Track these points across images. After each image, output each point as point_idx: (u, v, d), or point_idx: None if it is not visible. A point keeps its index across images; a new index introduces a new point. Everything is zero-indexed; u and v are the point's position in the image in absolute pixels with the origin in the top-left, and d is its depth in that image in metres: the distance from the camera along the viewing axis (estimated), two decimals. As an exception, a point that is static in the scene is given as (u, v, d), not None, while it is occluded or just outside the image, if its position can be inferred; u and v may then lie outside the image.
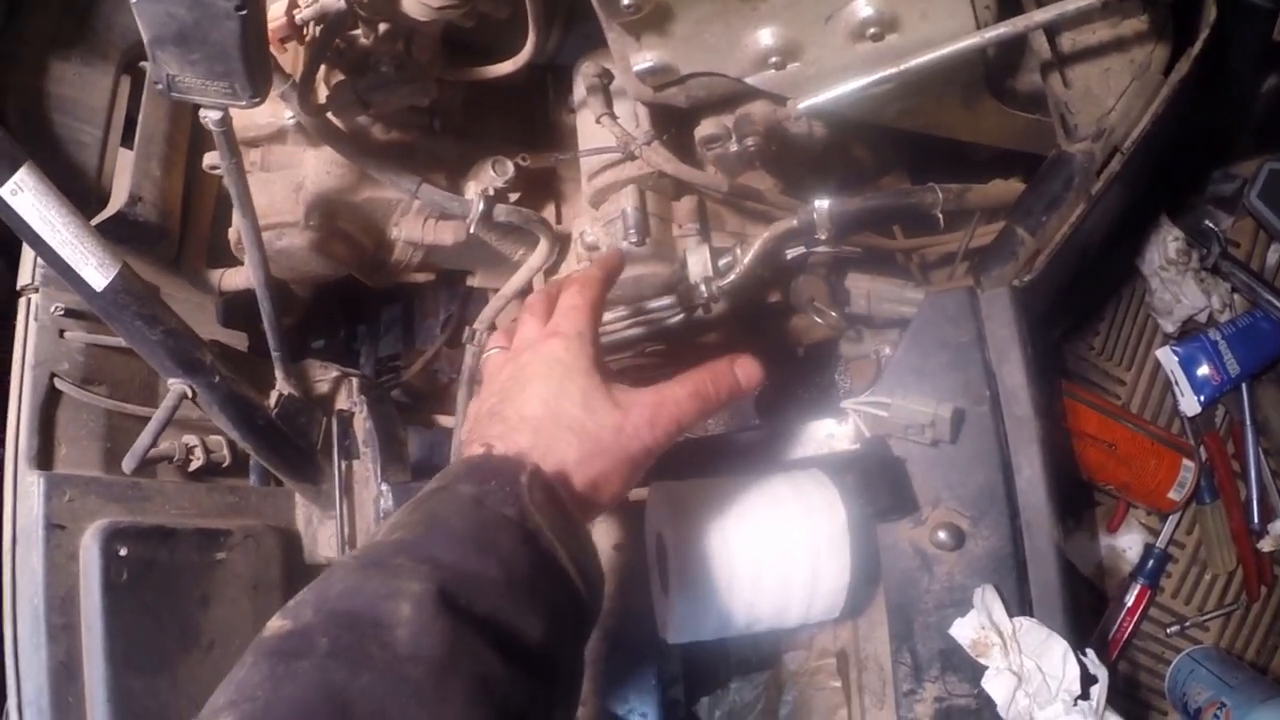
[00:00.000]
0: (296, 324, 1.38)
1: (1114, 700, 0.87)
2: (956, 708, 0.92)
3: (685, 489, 0.92)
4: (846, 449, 0.95)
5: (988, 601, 0.89)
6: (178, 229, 1.16)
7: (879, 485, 0.92)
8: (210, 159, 1.10)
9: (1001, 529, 0.91)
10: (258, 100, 0.87)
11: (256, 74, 0.85)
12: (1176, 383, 1.20)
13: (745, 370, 0.82)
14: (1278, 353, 1.20)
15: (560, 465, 0.70)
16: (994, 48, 0.95)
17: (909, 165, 1.22)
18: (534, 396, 0.73)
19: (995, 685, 0.87)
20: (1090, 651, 0.88)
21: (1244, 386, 1.20)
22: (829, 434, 0.96)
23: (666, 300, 1.03)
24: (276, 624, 0.58)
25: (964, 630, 0.90)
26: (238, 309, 1.21)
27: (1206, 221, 1.23)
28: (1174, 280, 1.19)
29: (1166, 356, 1.21)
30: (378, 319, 1.50)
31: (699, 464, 0.99)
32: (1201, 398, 1.19)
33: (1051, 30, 0.98)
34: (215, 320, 1.22)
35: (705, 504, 0.90)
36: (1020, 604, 0.91)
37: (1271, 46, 1.11)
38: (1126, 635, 1.21)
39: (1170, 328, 1.22)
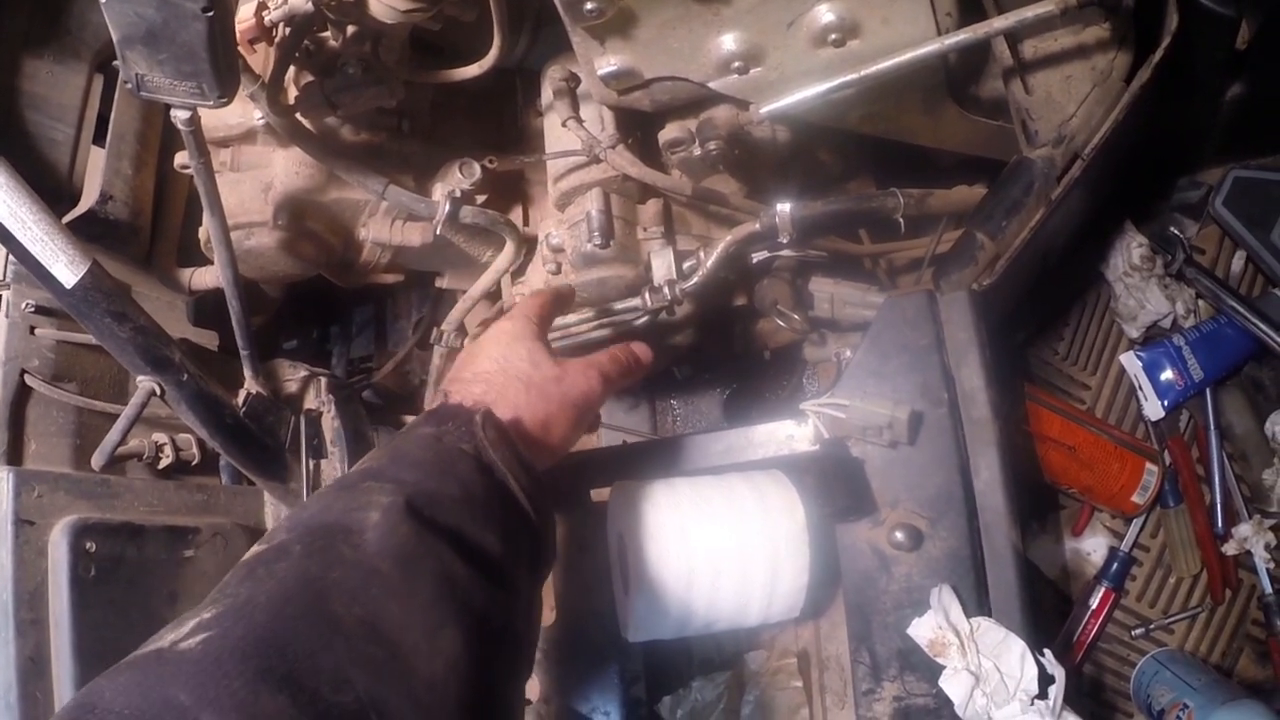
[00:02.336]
0: (268, 324, 1.39)
1: (1077, 701, 0.88)
2: (915, 707, 0.92)
3: (645, 489, 0.93)
4: (806, 450, 0.96)
5: (944, 601, 0.90)
6: (148, 228, 1.16)
7: (837, 486, 0.93)
8: (181, 158, 1.10)
9: (959, 530, 0.92)
10: (225, 100, 0.87)
11: (224, 74, 0.85)
12: (1140, 387, 1.21)
13: (641, 349, 0.94)
14: (1241, 358, 1.21)
15: (513, 409, 0.79)
16: (955, 54, 0.96)
17: (874, 170, 1.23)
18: (486, 357, 0.83)
19: (952, 685, 0.88)
20: (1048, 651, 0.88)
21: (1208, 391, 1.21)
22: (789, 435, 0.97)
23: (631, 302, 1.04)
24: (254, 548, 0.63)
25: (921, 630, 0.90)
26: (208, 308, 1.22)
27: (1172, 228, 1.24)
28: (1138, 286, 1.20)
29: (1130, 361, 1.22)
30: (350, 320, 1.51)
31: (660, 465, 1.00)
32: (1165, 402, 1.20)
33: (1013, 37, 0.99)
34: (186, 319, 1.22)
35: (665, 504, 0.91)
36: (978, 604, 0.91)
37: (1235, 55, 1.13)
38: (1091, 638, 1.21)
39: (1135, 333, 1.23)
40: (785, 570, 0.90)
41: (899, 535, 0.92)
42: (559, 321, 1.08)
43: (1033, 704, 0.86)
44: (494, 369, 0.82)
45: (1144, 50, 1.01)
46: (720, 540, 0.89)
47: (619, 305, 1.05)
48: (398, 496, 0.63)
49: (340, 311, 1.51)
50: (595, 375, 0.86)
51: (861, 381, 0.95)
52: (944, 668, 0.89)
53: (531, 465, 0.75)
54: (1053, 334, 1.26)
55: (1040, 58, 1.01)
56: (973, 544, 0.92)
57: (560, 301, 0.97)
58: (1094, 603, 1.21)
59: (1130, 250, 1.21)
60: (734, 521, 0.90)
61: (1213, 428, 1.21)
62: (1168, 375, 1.20)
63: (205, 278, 1.19)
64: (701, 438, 1.00)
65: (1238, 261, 1.25)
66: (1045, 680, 0.87)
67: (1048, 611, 1.23)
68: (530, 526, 0.72)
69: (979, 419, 0.94)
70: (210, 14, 0.79)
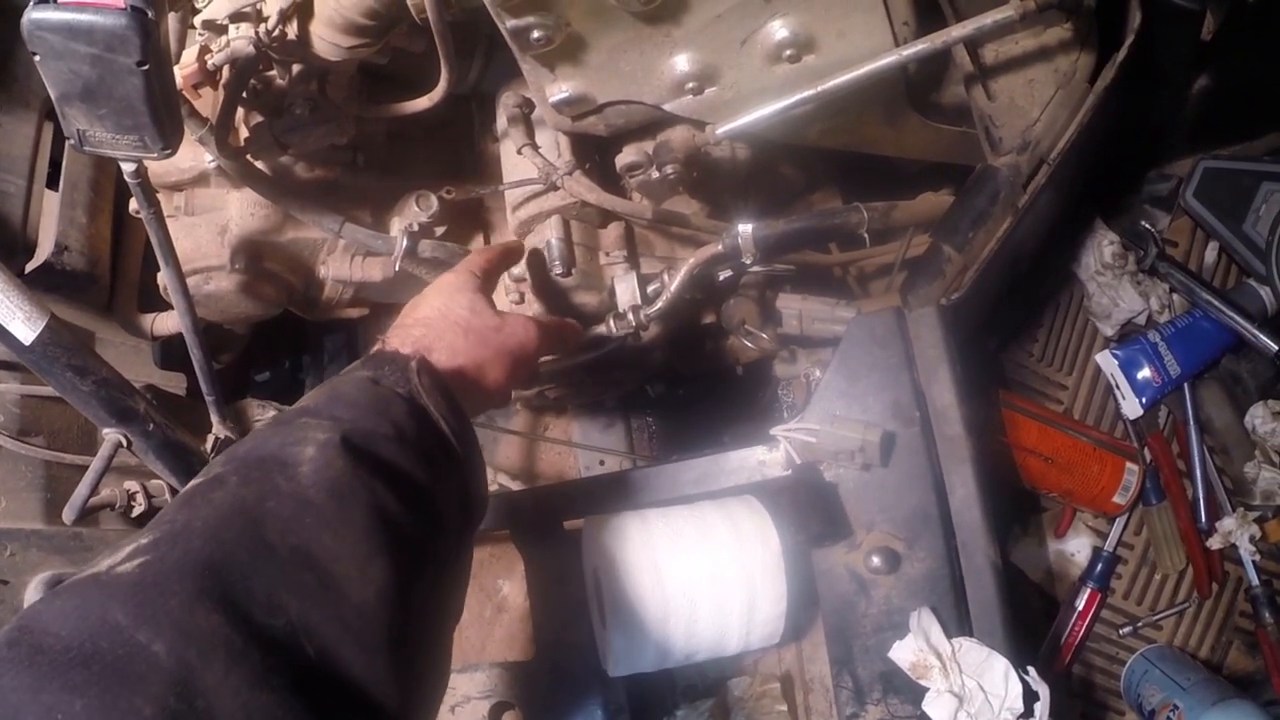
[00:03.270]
0: (238, 359, 1.37)
1: (1067, 705, 0.87)
2: (900, 729, 0.92)
3: (617, 522, 0.92)
4: (779, 475, 0.95)
5: (924, 624, 0.89)
6: (108, 275, 1.14)
7: (811, 512, 0.92)
8: (135, 204, 1.09)
9: (937, 550, 0.91)
10: (169, 151, 0.85)
11: (165, 126, 0.83)
12: (1117, 386, 1.20)
13: (573, 326, 0.99)
14: (1218, 351, 1.21)
15: (449, 352, 0.81)
16: (914, 64, 0.94)
17: (841, 181, 1.21)
18: (427, 304, 0.85)
19: (935, 707, 0.87)
20: (1031, 669, 0.87)
21: (1186, 386, 1.20)
22: (760, 461, 0.96)
23: (597, 330, 1.02)
24: (192, 481, 0.64)
25: (903, 653, 0.89)
26: (175, 350, 1.20)
27: (1143, 222, 1.23)
28: (1111, 284, 1.19)
29: (1106, 360, 1.21)
30: (321, 349, 1.49)
31: (633, 496, 0.98)
32: (1143, 400, 1.19)
33: (973, 43, 0.98)
34: (153, 363, 1.21)
35: (638, 537, 0.90)
36: (959, 624, 0.91)
37: (1201, 47, 1.11)
38: (1079, 639, 1.21)
39: (1110, 331, 1.22)
40: (762, 598, 0.89)
41: (875, 559, 0.91)
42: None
43: (1017, 723, 0.86)
44: (434, 315, 0.83)
45: (1108, 49, 0.99)
46: (695, 572, 0.88)
47: (586, 334, 1.03)
48: (333, 434, 0.65)
49: (311, 340, 1.49)
50: (533, 327, 0.88)
51: (831, 404, 0.93)
52: (927, 689, 0.88)
53: (462, 410, 0.77)
54: (1027, 336, 1.25)
55: (1001, 62, 0.99)
56: (951, 563, 0.91)
57: (508, 257, 0.99)
58: (1080, 604, 1.21)
59: (1101, 248, 1.19)
60: (708, 552, 0.89)
61: (1192, 423, 1.20)
62: (1144, 373, 1.19)
63: (167, 323, 1.17)
64: (673, 467, 0.99)
65: (1210, 253, 1.24)
66: (1030, 697, 0.87)
67: (1034, 615, 1.22)
68: (459, 467, 0.74)
69: (952, 436, 0.93)
70: (145, 67, 0.78)
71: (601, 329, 1.02)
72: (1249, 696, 1.08)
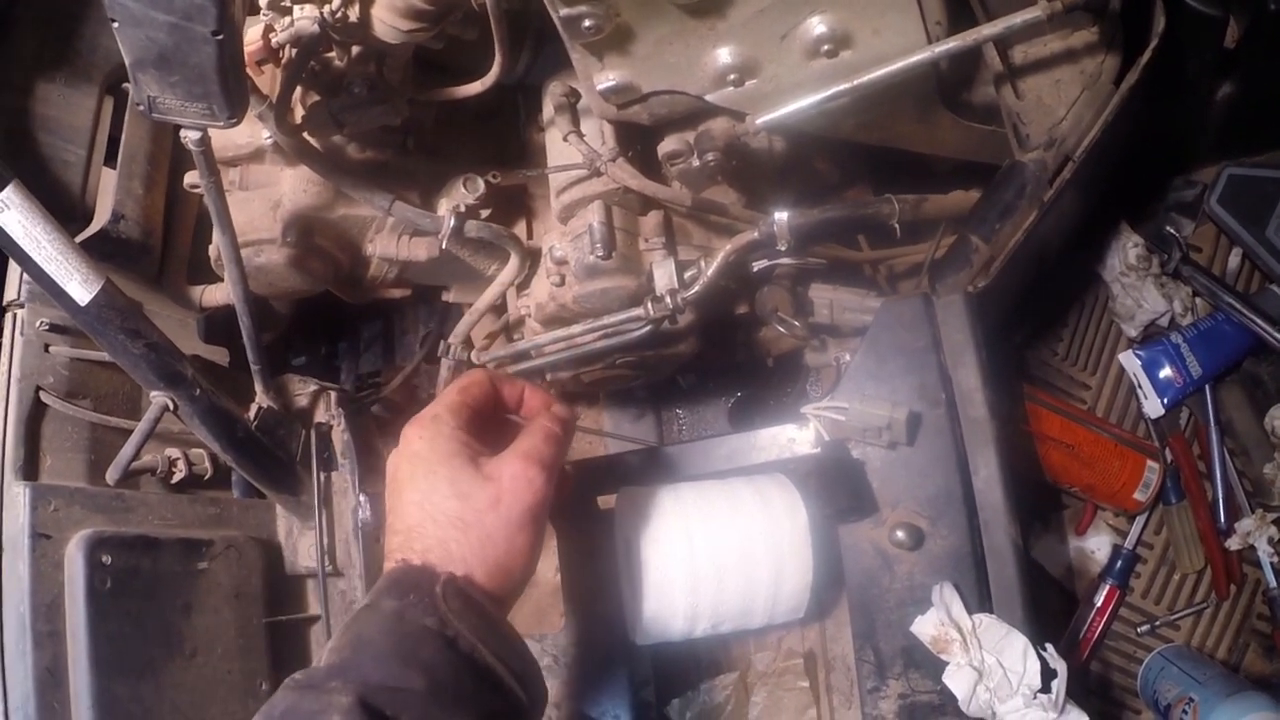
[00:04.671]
0: (277, 340, 1.41)
1: (1082, 698, 0.89)
2: (920, 703, 0.94)
3: (651, 494, 0.94)
4: (808, 453, 0.97)
5: (946, 599, 0.91)
6: (159, 246, 1.18)
7: (838, 487, 0.94)
8: (190, 178, 1.13)
9: (960, 528, 0.94)
10: (235, 121, 0.89)
11: (233, 96, 0.87)
12: (1140, 386, 1.23)
13: (561, 410, 0.85)
14: (1240, 354, 1.23)
15: (462, 565, 0.71)
16: (946, 61, 0.97)
17: (872, 177, 1.24)
18: (409, 503, 0.74)
19: (956, 680, 0.89)
20: (1050, 646, 0.89)
21: (1207, 388, 1.22)
22: (790, 439, 0.98)
23: (634, 312, 1.05)
24: None
25: (924, 627, 0.91)
26: (218, 325, 1.24)
27: (1168, 227, 1.25)
28: (1135, 286, 1.22)
29: (1129, 360, 1.23)
30: (358, 336, 1.52)
31: (666, 471, 1.01)
32: (1165, 400, 1.21)
33: (1002, 43, 1.01)
34: (197, 336, 1.24)
35: (670, 509, 0.93)
36: (980, 601, 0.93)
37: (1225, 54, 1.14)
38: (1097, 635, 1.22)
39: (1133, 332, 1.25)
40: (789, 571, 0.92)
41: (900, 534, 0.93)
42: (563, 333, 1.10)
43: (1035, 698, 0.88)
44: (421, 518, 0.72)
45: (1133, 53, 1.02)
46: (724, 543, 0.91)
47: (620, 316, 1.06)
48: (356, 697, 0.62)
49: (348, 327, 1.53)
50: (535, 473, 0.75)
51: (860, 384, 0.96)
52: (947, 664, 0.90)
53: (499, 624, 0.71)
54: (1051, 335, 1.27)
55: (1030, 62, 1.03)
56: (973, 541, 0.93)
57: (493, 389, 0.84)
58: (1099, 601, 1.22)
59: (1126, 250, 1.22)
60: (738, 524, 0.92)
61: (1213, 424, 1.22)
62: (1166, 373, 1.21)
63: (216, 295, 1.21)
64: (705, 443, 1.02)
65: (1234, 258, 1.27)
66: (1048, 675, 0.88)
67: (1053, 610, 1.24)
68: (506, 693, 0.69)
69: (976, 418, 0.95)
70: (220, 37, 0.81)
71: (638, 311, 1.05)
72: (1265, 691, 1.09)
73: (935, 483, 0.94)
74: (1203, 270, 1.23)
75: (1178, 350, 1.21)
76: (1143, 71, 1.01)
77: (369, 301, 1.29)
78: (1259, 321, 1.18)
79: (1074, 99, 1.02)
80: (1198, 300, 1.25)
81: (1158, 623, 1.23)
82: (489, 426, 0.81)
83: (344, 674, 0.65)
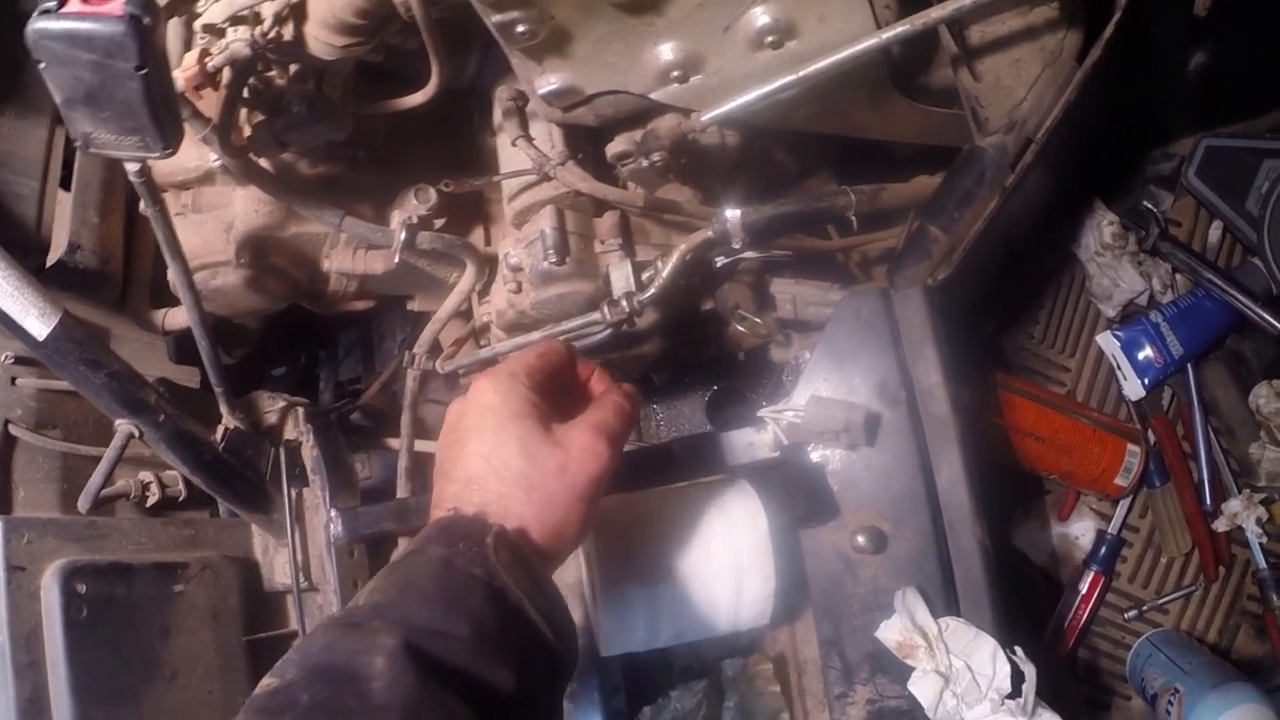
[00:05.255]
0: (253, 353, 1.41)
1: (1072, 689, 0.87)
2: (889, 709, 0.92)
3: (609, 503, 0.93)
4: (767, 457, 0.96)
5: (909, 604, 0.89)
6: (120, 272, 1.19)
7: (798, 492, 0.93)
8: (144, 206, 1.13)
9: (923, 530, 0.92)
10: (170, 151, 0.88)
11: (165, 127, 0.86)
12: (1119, 367, 1.20)
13: (631, 389, 0.85)
14: (1222, 331, 1.19)
15: (519, 522, 0.71)
16: (897, 46, 0.94)
17: (835, 166, 1.22)
18: (474, 454, 0.73)
19: (921, 687, 0.88)
20: (1019, 649, 0.88)
21: (1189, 367, 1.19)
22: (748, 443, 0.96)
23: (592, 316, 1.04)
24: (265, 682, 0.62)
25: (889, 633, 0.90)
26: (189, 345, 1.24)
27: (1145, 202, 1.22)
28: (1111, 265, 1.18)
29: (1108, 341, 1.20)
30: (337, 343, 1.52)
31: (623, 479, 1.00)
32: (1145, 381, 1.18)
33: (957, 24, 0.98)
34: (167, 357, 1.25)
35: (628, 518, 0.91)
36: (947, 604, 0.91)
37: (1195, 22, 1.10)
38: (1084, 622, 1.20)
39: (1111, 312, 1.22)
40: (750, 578, 0.90)
41: (861, 539, 0.91)
42: (524, 339, 1.09)
43: (1004, 703, 0.86)
44: (484, 471, 0.72)
45: (1097, 27, 0.99)
46: (683, 551, 0.89)
47: (579, 320, 1.05)
48: (402, 640, 0.61)
49: (327, 335, 1.52)
50: (603, 445, 0.75)
51: (817, 384, 0.94)
52: (915, 669, 0.89)
53: (545, 581, 0.71)
54: (1027, 318, 1.25)
55: (987, 42, 0.99)
56: (938, 543, 0.92)
57: (548, 357, 0.82)
58: (1084, 587, 1.20)
59: (1101, 229, 1.19)
60: (696, 532, 0.90)
61: (1196, 404, 1.19)
62: (1146, 353, 1.18)
63: (178, 317, 1.21)
64: (660, 450, 1.00)
65: (1214, 232, 1.23)
66: (1018, 678, 0.87)
67: (1038, 598, 1.22)
68: (547, 648, 0.68)
69: (938, 416, 0.93)
70: (144, 71, 0.81)
71: (596, 315, 1.04)
72: (1252, 680, 1.07)
73: (897, 484, 0.92)
74: (1182, 246, 1.19)
75: (1157, 329, 1.17)
76: (1106, 46, 0.97)
77: (339, 313, 1.28)
78: (1241, 297, 1.14)
79: (1035, 78, 0.99)
80: (1178, 277, 1.21)
81: (1146, 607, 1.21)
82: (558, 396, 0.81)
83: (388, 614, 0.64)
